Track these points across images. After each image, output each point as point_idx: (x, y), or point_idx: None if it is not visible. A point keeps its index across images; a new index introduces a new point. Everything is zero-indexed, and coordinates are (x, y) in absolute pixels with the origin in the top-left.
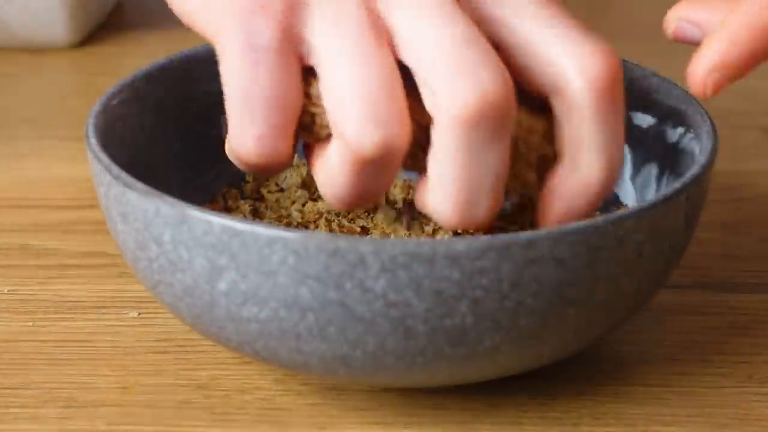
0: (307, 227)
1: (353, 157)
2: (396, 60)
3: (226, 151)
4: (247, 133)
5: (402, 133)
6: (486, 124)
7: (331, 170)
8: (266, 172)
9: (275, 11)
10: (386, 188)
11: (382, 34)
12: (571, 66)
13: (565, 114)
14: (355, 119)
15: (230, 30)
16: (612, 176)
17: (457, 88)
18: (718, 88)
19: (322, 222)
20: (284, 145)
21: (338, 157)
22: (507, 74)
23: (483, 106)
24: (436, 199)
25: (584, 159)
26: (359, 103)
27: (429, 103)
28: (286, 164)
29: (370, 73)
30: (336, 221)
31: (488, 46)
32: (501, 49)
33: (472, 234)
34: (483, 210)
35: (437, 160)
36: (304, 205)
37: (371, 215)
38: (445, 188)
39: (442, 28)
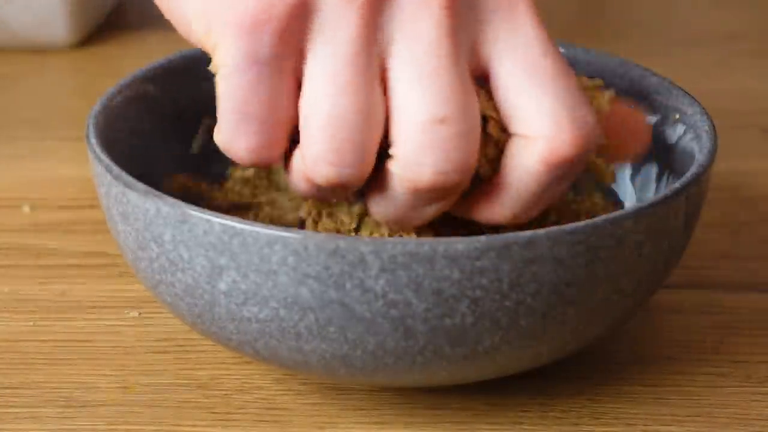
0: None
1: (307, 177)
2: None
3: (215, 138)
4: (240, 143)
5: (357, 170)
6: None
7: (293, 181)
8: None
9: (276, 25)
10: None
11: (373, 66)
12: (536, 133)
13: (511, 161)
14: (313, 146)
15: (230, 43)
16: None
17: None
18: None
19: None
20: (275, 155)
21: (298, 173)
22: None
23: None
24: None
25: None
26: (318, 133)
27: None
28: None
29: (339, 102)
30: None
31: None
32: (488, 82)
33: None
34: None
35: None
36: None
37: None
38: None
39: (428, 88)
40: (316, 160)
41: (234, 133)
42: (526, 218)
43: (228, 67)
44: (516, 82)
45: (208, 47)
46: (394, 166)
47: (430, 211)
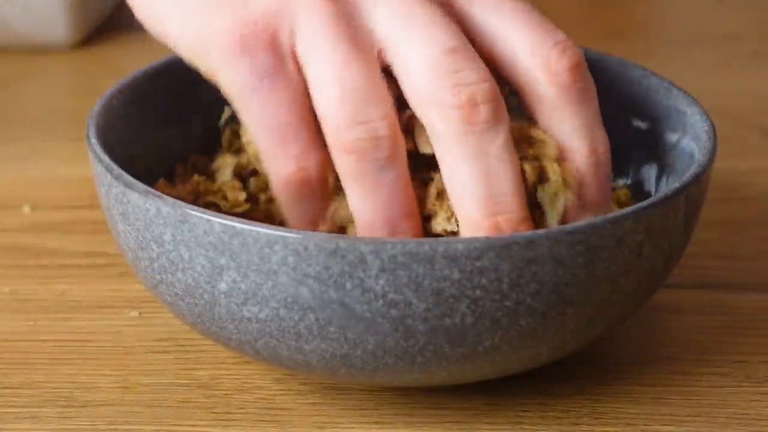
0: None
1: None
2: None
3: (273, 190)
4: (288, 155)
5: (386, 124)
6: (479, 117)
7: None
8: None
9: (264, 38)
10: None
11: (360, 33)
12: (533, 63)
13: (538, 110)
14: (336, 119)
15: (231, 69)
16: (602, 154)
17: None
18: None
19: None
20: (319, 159)
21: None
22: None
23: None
24: (461, 202)
25: (570, 146)
26: (338, 105)
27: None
28: (323, 179)
29: (345, 75)
30: None
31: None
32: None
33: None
34: (509, 200)
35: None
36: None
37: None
38: (466, 187)
39: (425, 27)
40: (344, 128)
41: (276, 148)
42: (605, 157)
43: (240, 91)
44: (504, 27)
45: (209, 73)
46: (420, 108)
47: (490, 143)
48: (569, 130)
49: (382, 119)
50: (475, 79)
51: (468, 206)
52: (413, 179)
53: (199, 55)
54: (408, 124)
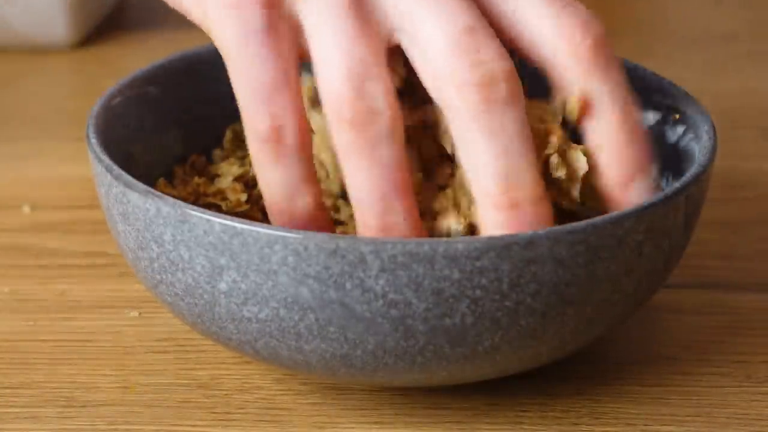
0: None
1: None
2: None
3: (250, 152)
4: (264, 112)
5: (385, 98)
6: (498, 95)
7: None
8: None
9: None
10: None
11: (365, 10)
12: (557, 42)
13: (575, 78)
14: (336, 92)
15: (223, 24)
16: (632, 117)
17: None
18: None
19: None
20: (297, 118)
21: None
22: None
23: (487, 82)
24: (478, 178)
25: (599, 112)
26: (340, 79)
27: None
28: (301, 145)
29: (352, 50)
30: None
31: (490, 32)
32: (496, 29)
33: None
34: (527, 177)
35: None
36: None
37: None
38: (484, 164)
39: (440, 5)
40: (345, 101)
41: (252, 106)
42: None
43: (228, 45)
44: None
45: (205, 27)
46: (436, 88)
47: (508, 120)
48: (602, 98)
49: (382, 96)
50: (494, 57)
51: (486, 183)
52: (429, 180)
53: (197, 3)
54: (426, 122)
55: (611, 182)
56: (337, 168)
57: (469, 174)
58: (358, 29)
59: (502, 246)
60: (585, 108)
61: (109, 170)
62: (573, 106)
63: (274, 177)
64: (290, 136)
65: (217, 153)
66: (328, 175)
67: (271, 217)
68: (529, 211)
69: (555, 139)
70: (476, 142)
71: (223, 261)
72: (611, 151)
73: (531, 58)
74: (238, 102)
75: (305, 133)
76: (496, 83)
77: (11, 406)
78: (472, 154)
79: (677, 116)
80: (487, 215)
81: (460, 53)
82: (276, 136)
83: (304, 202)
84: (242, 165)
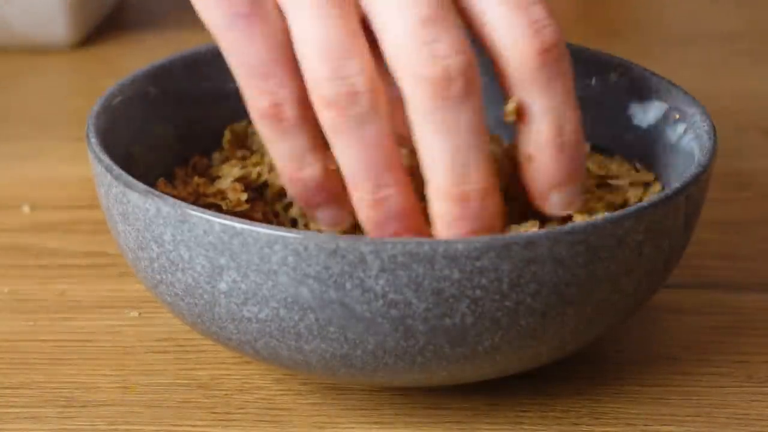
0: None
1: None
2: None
3: (252, 119)
4: (263, 90)
5: (363, 78)
6: (452, 92)
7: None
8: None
9: None
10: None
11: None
12: (507, 41)
13: (516, 85)
14: (316, 70)
15: (210, 6)
16: (569, 133)
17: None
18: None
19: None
20: (293, 93)
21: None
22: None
23: (444, 74)
24: (432, 172)
25: (531, 123)
26: (318, 56)
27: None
28: (301, 116)
29: (328, 25)
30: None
31: (451, 23)
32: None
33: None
34: (478, 171)
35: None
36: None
37: None
38: (437, 158)
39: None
40: (323, 82)
41: (251, 85)
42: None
43: (217, 29)
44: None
45: (198, 13)
46: (397, 77)
47: (463, 116)
48: (538, 110)
49: (360, 74)
50: (450, 51)
51: (437, 176)
52: None
53: None
54: None
55: (533, 191)
56: None
57: (423, 165)
58: (333, 9)
59: (502, 246)
60: (520, 115)
61: (109, 170)
62: (510, 111)
63: (279, 150)
64: (289, 111)
65: (216, 156)
66: None
67: (286, 187)
68: (478, 205)
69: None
70: (430, 136)
71: (223, 261)
72: (536, 163)
73: (486, 53)
74: (237, 82)
75: (305, 105)
76: (452, 79)
77: (11, 406)
78: (426, 147)
79: (677, 116)
80: (437, 206)
81: (418, 45)
82: (275, 112)
83: (312, 170)
84: (244, 167)
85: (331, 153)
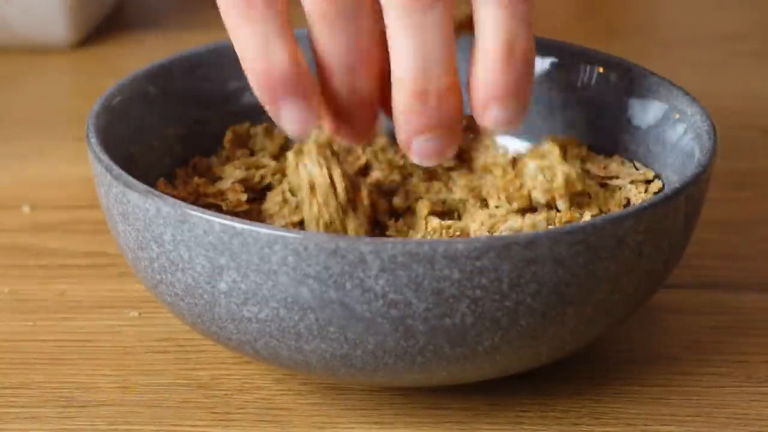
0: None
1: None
2: None
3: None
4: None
5: (284, 56)
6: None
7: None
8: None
9: None
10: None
11: None
12: None
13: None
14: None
15: None
16: (520, 52)
17: None
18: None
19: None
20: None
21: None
22: None
23: None
24: (397, 66)
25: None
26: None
27: None
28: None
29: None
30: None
31: None
32: None
33: None
34: (438, 70)
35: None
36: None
37: None
38: (403, 55)
39: None
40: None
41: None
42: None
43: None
44: None
45: None
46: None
47: (430, 19)
48: (491, 23)
49: None
50: None
51: (400, 70)
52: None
53: None
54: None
55: (473, 102)
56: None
57: (392, 62)
58: None
59: (502, 246)
60: (474, 27)
61: (109, 170)
62: (461, 21)
63: (246, 35)
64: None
65: (214, 159)
66: None
67: (250, 80)
68: (435, 102)
69: None
70: (399, 37)
71: (223, 261)
72: (478, 73)
73: None
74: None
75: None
76: None
77: (11, 406)
78: (395, 47)
79: (677, 116)
80: (398, 99)
81: None
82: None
83: (281, 56)
84: (246, 169)
85: (296, 45)
